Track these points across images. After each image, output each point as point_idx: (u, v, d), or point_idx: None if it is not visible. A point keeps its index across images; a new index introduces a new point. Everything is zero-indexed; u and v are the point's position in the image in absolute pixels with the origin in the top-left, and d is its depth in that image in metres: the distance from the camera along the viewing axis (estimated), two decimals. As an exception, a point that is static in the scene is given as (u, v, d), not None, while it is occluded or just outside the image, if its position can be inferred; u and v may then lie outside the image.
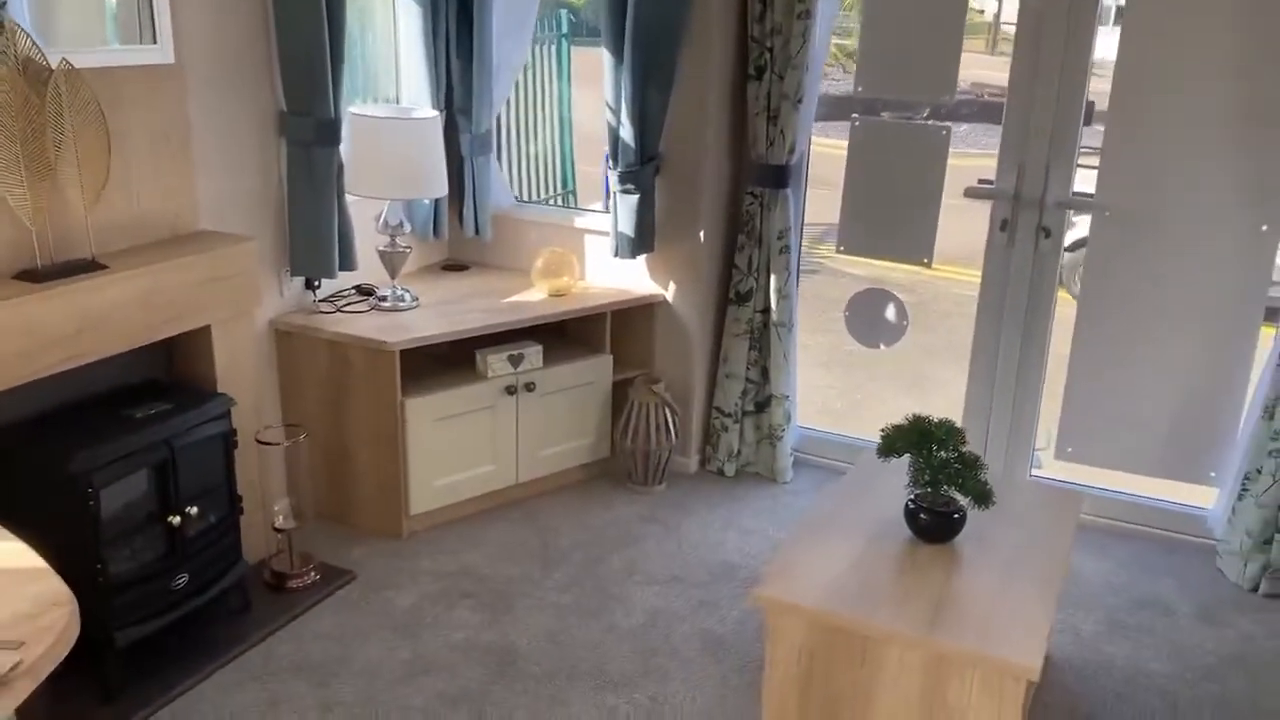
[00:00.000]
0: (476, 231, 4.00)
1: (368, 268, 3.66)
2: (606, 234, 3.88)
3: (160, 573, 2.76)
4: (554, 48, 5.69)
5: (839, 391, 5.49)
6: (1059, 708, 2.80)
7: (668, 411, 3.83)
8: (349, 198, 3.45)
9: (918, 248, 3.79)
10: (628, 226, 3.74)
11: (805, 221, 4.05)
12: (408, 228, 3.68)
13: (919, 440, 2.53)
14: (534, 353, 3.65)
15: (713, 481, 4.01)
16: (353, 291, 3.71)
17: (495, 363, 3.56)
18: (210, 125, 3.11)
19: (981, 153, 6.77)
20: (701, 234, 3.80)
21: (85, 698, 2.64)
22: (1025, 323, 3.66)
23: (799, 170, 3.85)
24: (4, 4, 2.40)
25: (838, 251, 3.94)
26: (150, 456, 2.68)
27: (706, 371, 4.01)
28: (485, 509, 3.71)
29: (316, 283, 3.56)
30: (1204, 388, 3.47)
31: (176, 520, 2.75)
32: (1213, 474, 3.54)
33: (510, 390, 3.61)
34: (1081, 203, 3.53)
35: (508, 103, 4.42)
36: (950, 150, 3.65)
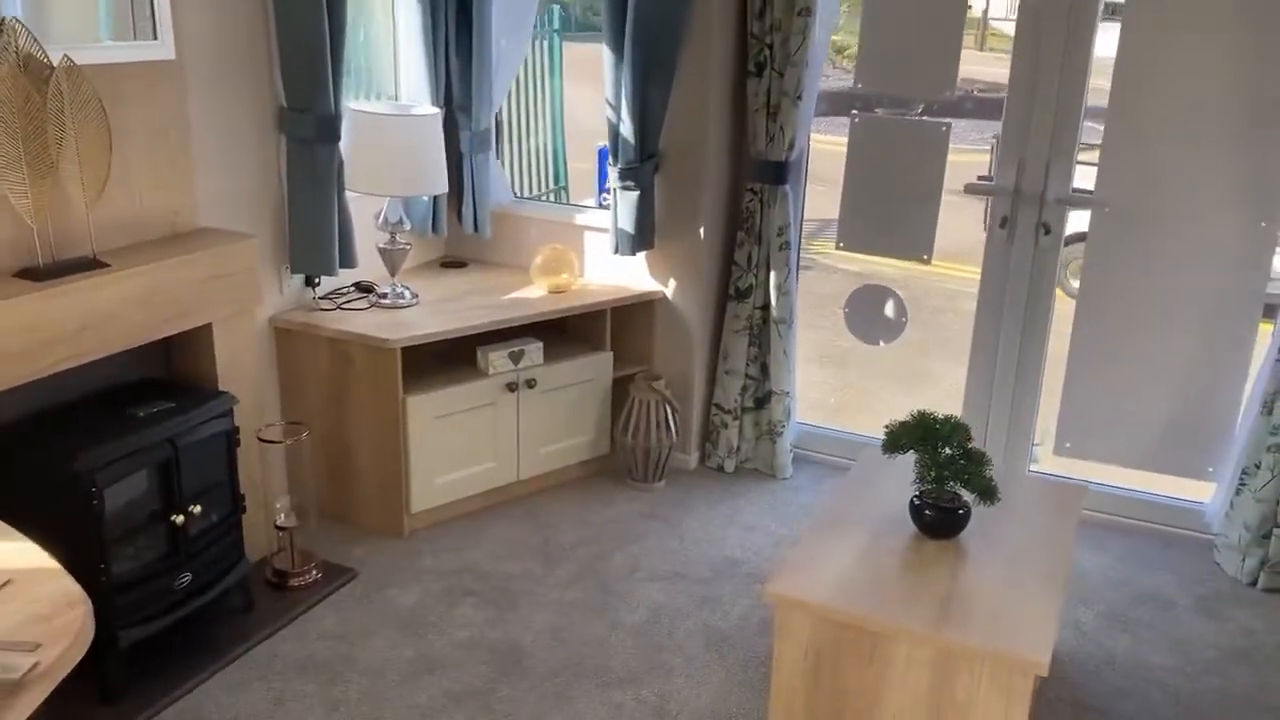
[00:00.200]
0: (476, 228, 3.99)
1: (366, 265, 3.64)
2: (606, 231, 3.87)
3: (163, 572, 2.75)
4: (546, 43, 5.67)
5: (832, 387, 5.51)
6: (1064, 702, 2.81)
7: (668, 408, 3.83)
8: (349, 194, 3.44)
9: (917, 244, 3.79)
10: (628, 223, 3.74)
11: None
12: (407, 225, 3.67)
13: (924, 436, 2.54)
14: (535, 350, 3.64)
15: (712, 478, 4.01)
16: (352, 289, 3.70)
17: (496, 360, 3.56)
18: (210, 122, 3.09)
19: (971, 149, 6.79)
20: (701, 230, 3.80)
21: (87, 698, 2.62)
22: (1025, 319, 3.67)
23: (798, 167, 3.85)
24: None
25: (837, 248, 3.94)
26: (154, 455, 2.67)
27: (706, 368, 4.01)
28: (486, 506, 3.71)
29: (316, 280, 3.54)
30: (1202, 383, 3.49)
31: (180, 519, 2.74)
32: (1210, 469, 3.57)
33: (511, 387, 3.60)
34: (1081, 199, 3.54)
35: (502, 99, 4.40)
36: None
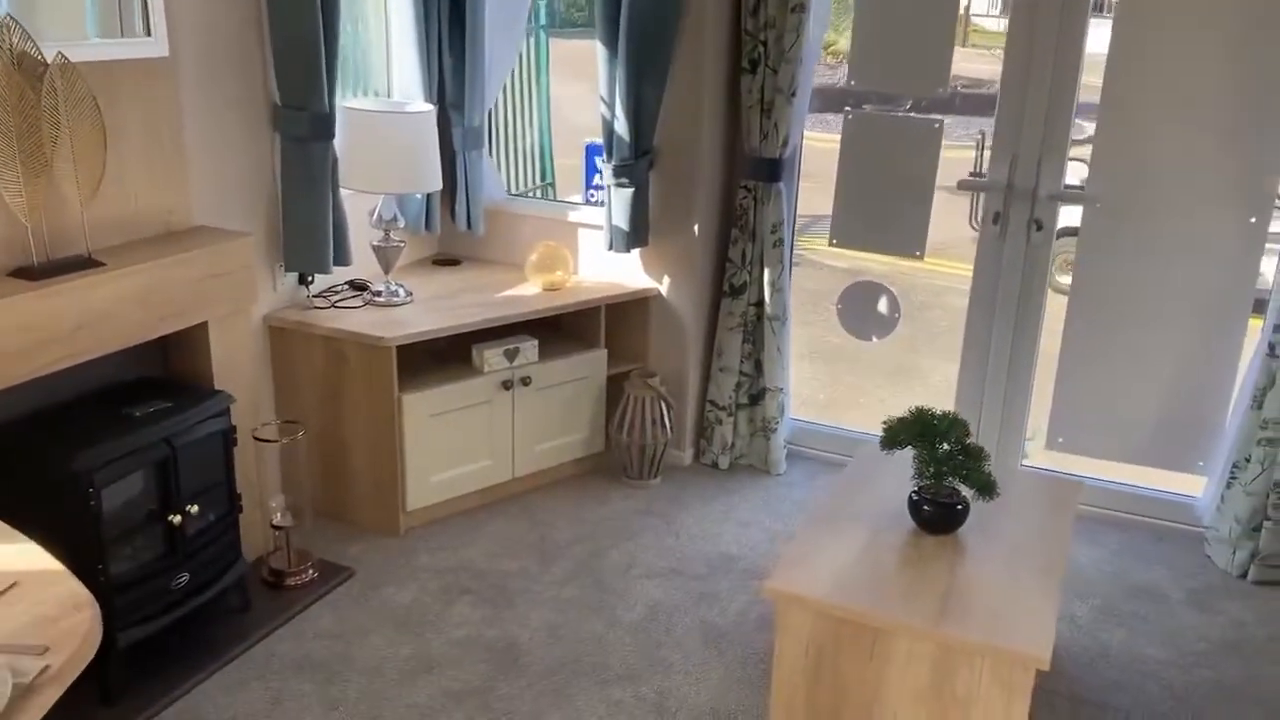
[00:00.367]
0: (469, 226, 3.98)
1: (360, 262, 3.63)
2: (600, 228, 3.87)
3: (161, 572, 2.73)
4: (532, 39, 5.65)
5: (822, 383, 5.52)
6: (1060, 695, 2.83)
7: (663, 405, 3.83)
8: (343, 192, 3.42)
9: (909, 241, 3.81)
10: (622, 220, 3.74)
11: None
12: (401, 222, 3.66)
13: (923, 432, 2.56)
14: (530, 347, 3.64)
15: (707, 474, 4.02)
16: (346, 287, 3.69)
17: (491, 357, 3.55)
18: (203, 120, 3.07)
19: (956, 145, 6.81)
20: (695, 227, 3.80)
21: (86, 699, 2.61)
22: (1017, 314, 3.69)
23: (792, 164, 3.86)
24: None
25: (830, 244, 3.95)
26: (151, 455, 2.65)
27: (701, 365, 4.02)
28: (482, 504, 3.70)
29: (310, 278, 3.53)
30: (1193, 378, 3.52)
31: (177, 519, 2.73)
32: (1201, 463, 3.60)
33: (506, 385, 3.60)
34: (1073, 195, 3.57)
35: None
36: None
